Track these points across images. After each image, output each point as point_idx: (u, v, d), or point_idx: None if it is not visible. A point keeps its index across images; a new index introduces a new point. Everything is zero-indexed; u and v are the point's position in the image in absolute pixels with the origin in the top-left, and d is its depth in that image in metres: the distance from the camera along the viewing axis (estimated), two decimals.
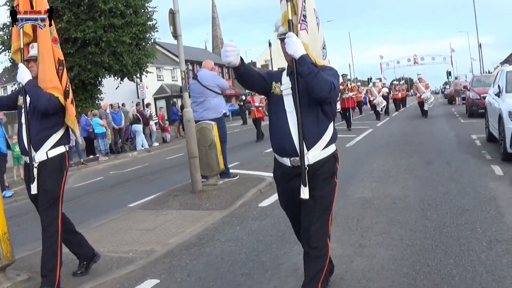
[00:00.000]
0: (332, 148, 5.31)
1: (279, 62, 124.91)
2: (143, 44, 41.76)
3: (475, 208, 9.54)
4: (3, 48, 39.78)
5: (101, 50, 37.64)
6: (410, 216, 9.47)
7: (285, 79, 5.38)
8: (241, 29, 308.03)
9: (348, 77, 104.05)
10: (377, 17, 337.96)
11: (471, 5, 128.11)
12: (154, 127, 35.58)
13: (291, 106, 5.18)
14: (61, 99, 7.06)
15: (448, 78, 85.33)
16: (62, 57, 7.32)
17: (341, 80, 30.83)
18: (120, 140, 32.76)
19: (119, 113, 32.92)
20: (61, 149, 7.16)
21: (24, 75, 7.15)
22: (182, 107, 38.01)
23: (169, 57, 73.96)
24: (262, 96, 28.56)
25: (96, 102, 41.70)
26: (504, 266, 6.55)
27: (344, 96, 31.76)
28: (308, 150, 5.10)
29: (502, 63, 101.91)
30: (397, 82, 64.82)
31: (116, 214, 12.16)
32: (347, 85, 33.10)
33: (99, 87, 42.52)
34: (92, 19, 36.96)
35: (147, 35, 42.04)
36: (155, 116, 37.06)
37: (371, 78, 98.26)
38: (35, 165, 6.93)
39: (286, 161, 5.25)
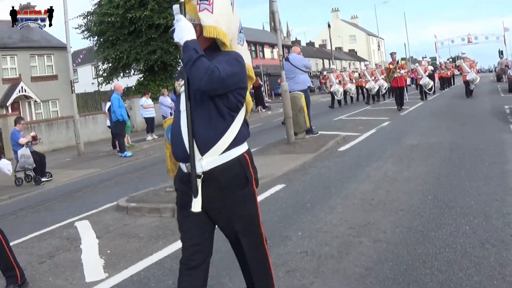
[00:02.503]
0: (236, 152, 4.60)
1: (337, 42, 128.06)
2: None
3: (487, 148, 14.06)
4: (89, 34, 44.76)
5: None
6: (441, 152, 14.18)
7: None
8: (298, 8, 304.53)
9: (403, 56, 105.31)
10: None
11: None
12: None
13: (184, 104, 4.56)
14: None
15: (500, 57, 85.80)
16: None
17: (388, 59, 32.12)
18: None
19: None
20: None
21: None
22: (255, 84, 41.85)
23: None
24: None
25: (175, 81, 45.84)
26: (497, 172, 11.09)
27: (395, 75, 30.34)
28: (202, 154, 4.48)
29: None
30: (443, 61, 65.17)
31: None
32: (397, 62, 31.37)
33: (177, 68, 46.59)
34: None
35: None
36: None
37: (424, 56, 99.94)
38: None
39: (183, 166, 4.71)
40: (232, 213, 4.69)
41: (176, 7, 4.63)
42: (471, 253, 6.49)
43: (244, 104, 4.73)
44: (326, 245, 7.30)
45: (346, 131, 20.60)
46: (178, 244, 7.96)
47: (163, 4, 40.80)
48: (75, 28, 44.20)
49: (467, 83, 35.37)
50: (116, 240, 9.05)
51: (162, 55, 42.76)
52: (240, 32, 4.96)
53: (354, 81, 44.04)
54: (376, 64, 45.19)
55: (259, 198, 10.40)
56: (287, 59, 19.97)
